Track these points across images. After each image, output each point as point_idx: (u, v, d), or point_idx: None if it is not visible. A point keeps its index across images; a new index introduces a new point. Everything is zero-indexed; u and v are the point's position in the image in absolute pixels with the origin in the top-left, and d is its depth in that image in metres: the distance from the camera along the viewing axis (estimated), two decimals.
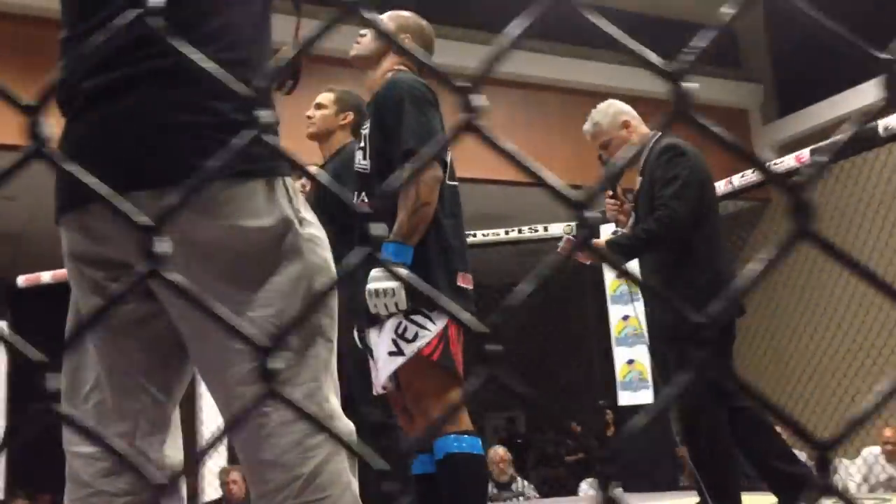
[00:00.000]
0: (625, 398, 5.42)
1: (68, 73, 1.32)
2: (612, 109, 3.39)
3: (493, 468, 7.38)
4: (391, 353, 2.45)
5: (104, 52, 1.26)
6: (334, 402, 1.31)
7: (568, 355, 8.63)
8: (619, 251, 3.14)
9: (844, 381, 5.97)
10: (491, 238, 5.83)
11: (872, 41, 0.51)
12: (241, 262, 1.27)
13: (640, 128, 3.37)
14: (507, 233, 5.81)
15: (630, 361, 5.47)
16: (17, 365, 5.74)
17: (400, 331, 2.45)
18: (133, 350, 1.33)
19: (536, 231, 5.73)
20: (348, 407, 3.33)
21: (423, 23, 2.80)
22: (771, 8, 9.96)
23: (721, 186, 4.71)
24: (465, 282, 2.57)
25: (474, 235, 5.77)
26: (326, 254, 1.35)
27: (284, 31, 1.56)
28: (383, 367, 2.49)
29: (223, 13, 1.32)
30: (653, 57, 0.47)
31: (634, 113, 3.41)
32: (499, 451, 7.51)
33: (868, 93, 8.11)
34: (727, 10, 0.51)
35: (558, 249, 3.39)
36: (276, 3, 1.49)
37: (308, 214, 1.35)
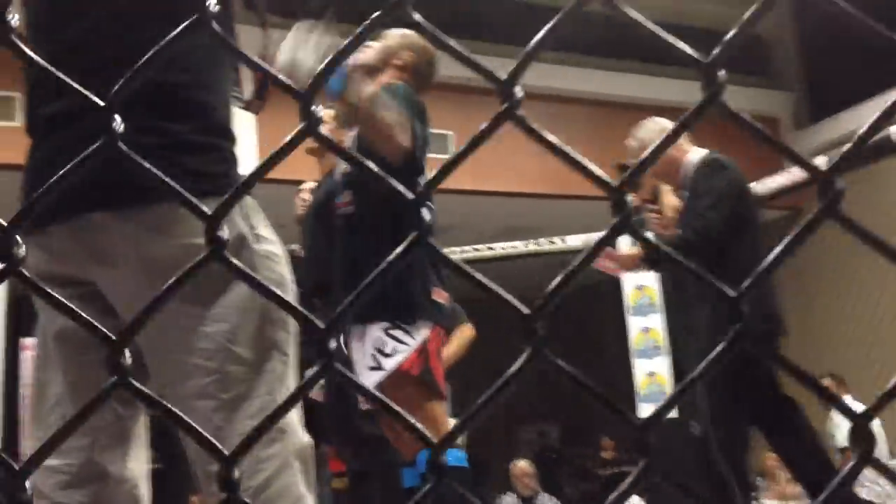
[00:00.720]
0: (646, 411, 5.37)
1: (30, 101, 1.39)
2: (657, 126, 3.45)
3: (517, 482, 7.32)
4: (371, 368, 2.45)
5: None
6: (290, 415, 1.31)
7: (587, 368, 8.58)
8: (653, 259, 3.19)
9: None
10: (510, 251, 5.82)
11: None
12: (195, 279, 1.26)
13: (685, 144, 3.43)
14: (525, 245, 5.78)
15: (651, 374, 5.43)
16: None
17: (379, 346, 2.45)
18: (95, 365, 1.35)
19: (554, 243, 5.71)
20: (328, 414, 3.28)
21: (429, 45, 2.76)
22: (799, 15, 9.89)
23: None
24: (439, 296, 2.57)
25: (492, 248, 5.76)
26: (283, 269, 1.37)
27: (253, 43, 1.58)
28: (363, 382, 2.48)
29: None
30: (687, 49, 0.47)
31: None
32: (520, 465, 7.46)
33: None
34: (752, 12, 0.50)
35: (597, 262, 3.40)
36: (238, 14, 1.50)
37: (266, 232, 1.37)
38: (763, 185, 4.92)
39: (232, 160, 1.40)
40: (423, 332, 2.46)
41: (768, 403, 3.25)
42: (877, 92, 8.19)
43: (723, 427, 3.16)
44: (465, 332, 4.90)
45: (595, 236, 5.44)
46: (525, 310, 0.48)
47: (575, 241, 5.58)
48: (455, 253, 5.59)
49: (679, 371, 5.38)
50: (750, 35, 0.51)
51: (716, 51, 0.49)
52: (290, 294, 1.40)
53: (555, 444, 11.35)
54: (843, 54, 7.63)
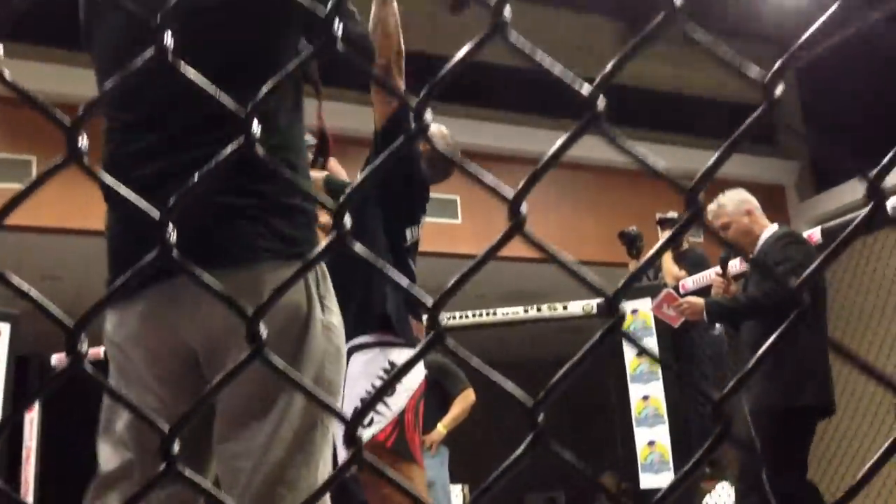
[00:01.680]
0: (646, 481, 5.28)
1: (112, 166, 1.36)
2: (738, 196, 3.61)
3: None
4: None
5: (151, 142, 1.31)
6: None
7: (589, 436, 8.50)
8: (717, 312, 3.24)
9: None
10: (511, 316, 5.84)
11: None
12: (275, 337, 1.27)
13: (762, 219, 3.57)
14: (525, 311, 5.80)
15: (651, 443, 5.34)
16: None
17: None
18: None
19: (556, 309, 5.73)
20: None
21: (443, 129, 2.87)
22: (805, 86, 10.01)
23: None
24: (418, 331, 2.60)
25: (494, 314, 5.77)
26: (340, 342, 1.41)
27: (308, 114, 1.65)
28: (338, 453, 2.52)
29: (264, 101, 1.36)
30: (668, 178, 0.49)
31: (758, 204, 3.62)
32: None
33: None
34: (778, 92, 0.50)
35: (654, 305, 3.42)
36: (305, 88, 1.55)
37: (331, 302, 1.42)
38: None
39: (315, 224, 1.44)
40: (400, 403, 2.48)
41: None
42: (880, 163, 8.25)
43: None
44: (467, 397, 4.87)
45: (594, 303, 5.51)
46: (528, 401, 0.50)
47: (575, 307, 5.59)
48: (456, 318, 5.60)
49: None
50: (753, 105, 0.52)
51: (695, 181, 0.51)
52: (342, 368, 1.44)
53: None
54: (846, 127, 7.71)
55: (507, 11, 0.49)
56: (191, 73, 0.51)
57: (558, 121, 7.95)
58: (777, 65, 0.51)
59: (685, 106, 9.49)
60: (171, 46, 0.49)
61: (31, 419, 5.59)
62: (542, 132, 8.36)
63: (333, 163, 2.71)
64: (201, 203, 1.28)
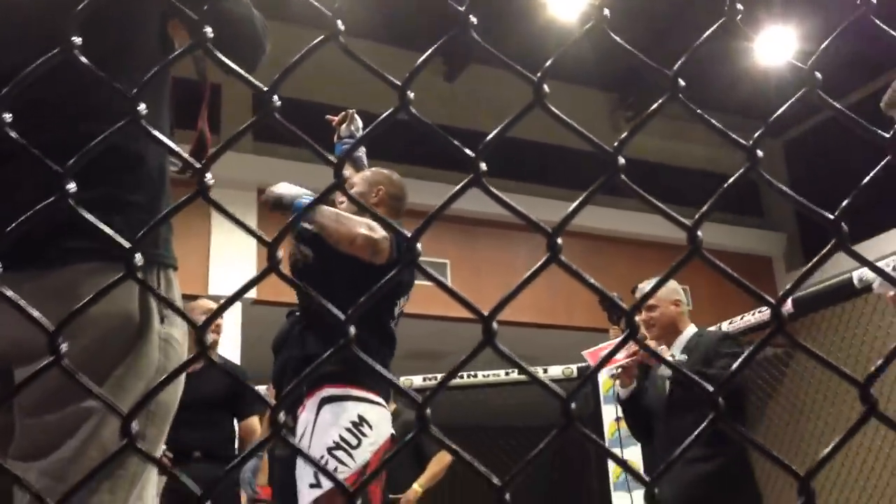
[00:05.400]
0: (618, 499, 5.26)
1: None
2: (671, 285, 3.63)
3: None
4: (311, 486, 2.53)
5: None
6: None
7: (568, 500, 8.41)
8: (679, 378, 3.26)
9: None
10: (492, 379, 5.99)
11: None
12: (87, 346, 1.21)
13: (686, 316, 3.63)
14: (507, 373, 5.93)
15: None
16: None
17: (322, 464, 2.45)
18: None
19: (537, 373, 5.79)
20: None
21: (395, 175, 3.08)
22: (792, 158, 10.15)
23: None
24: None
25: (475, 376, 5.83)
26: (181, 357, 1.30)
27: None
28: (302, 499, 2.56)
29: (101, 90, 1.24)
30: (670, 214, 0.56)
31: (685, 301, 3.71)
32: None
33: (892, 240, 8.15)
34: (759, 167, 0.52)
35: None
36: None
37: (175, 315, 1.30)
38: (736, 324, 5.04)
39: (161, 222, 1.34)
40: (365, 456, 2.53)
41: None
42: (868, 236, 8.33)
43: None
44: (443, 457, 4.84)
45: (573, 367, 5.57)
46: (496, 481, 0.53)
47: (556, 371, 5.77)
48: (437, 378, 5.61)
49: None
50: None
51: (699, 214, 0.55)
52: (179, 386, 1.32)
53: None
54: (834, 200, 7.79)
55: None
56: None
57: (570, 191, 8.05)
58: (759, 131, 0.54)
59: (676, 177, 9.60)
60: None
61: None
62: (548, 201, 8.46)
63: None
64: (12, 199, 1.18)
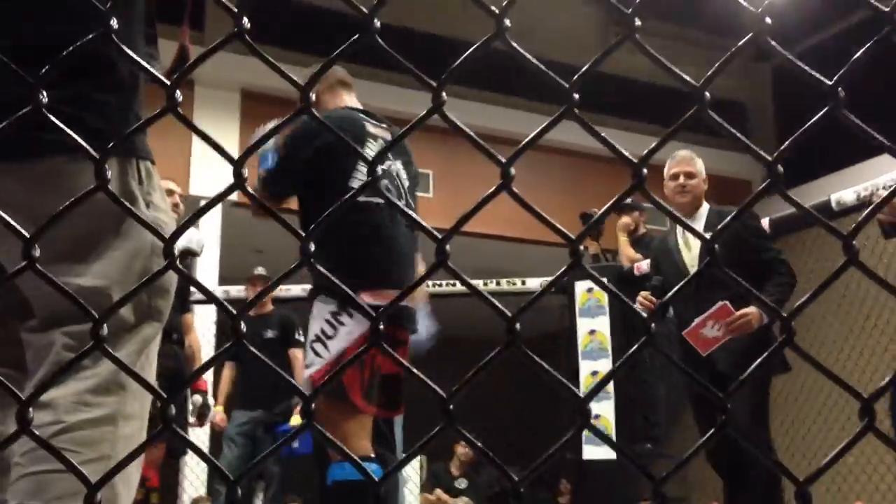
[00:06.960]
0: (588, 452, 5.45)
1: None
2: (702, 165, 3.83)
3: None
4: (310, 362, 2.64)
5: None
6: (135, 382, 1.29)
7: (541, 410, 8.60)
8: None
9: None
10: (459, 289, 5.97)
11: (880, 119, 0.51)
12: (81, 235, 1.26)
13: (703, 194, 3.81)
14: (485, 284, 5.94)
15: (596, 416, 5.48)
16: None
17: (319, 334, 2.63)
18: None
19: (514, 284, 5.88)
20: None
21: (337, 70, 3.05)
22: (779, 82, 10.09)
23: None
24: (373, 298, 2.60)
25: (454, 285, 5.87)
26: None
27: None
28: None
29: None
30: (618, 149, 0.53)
31: None
32: (431, 498, 7.60)
33: (872, 169, 8.15)
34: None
35: (695, 325, 3.39)
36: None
37: (160, 201, 1.36)
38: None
39: (134, 121, 1.35)
40: (340, 345, 2.56)
41: None
42: (849, 164, 8.35)
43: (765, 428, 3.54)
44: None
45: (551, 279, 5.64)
46: (441, 393, 0.58)
47: (534, 283, 5.81)
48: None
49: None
50: (730, 100, 0.55)
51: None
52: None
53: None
54: (818, 126, 7.78)
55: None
56: None
57: (552, 107, 7.98)
58: (708, 73, 0.56)
59: (667, 97, 9.52)
60: None
61: None
62: (530, 115, 8.39)
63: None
64: None
